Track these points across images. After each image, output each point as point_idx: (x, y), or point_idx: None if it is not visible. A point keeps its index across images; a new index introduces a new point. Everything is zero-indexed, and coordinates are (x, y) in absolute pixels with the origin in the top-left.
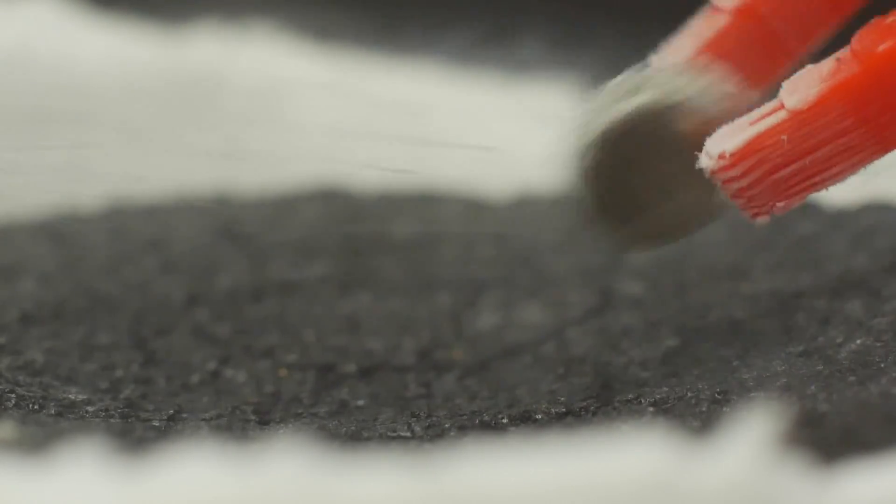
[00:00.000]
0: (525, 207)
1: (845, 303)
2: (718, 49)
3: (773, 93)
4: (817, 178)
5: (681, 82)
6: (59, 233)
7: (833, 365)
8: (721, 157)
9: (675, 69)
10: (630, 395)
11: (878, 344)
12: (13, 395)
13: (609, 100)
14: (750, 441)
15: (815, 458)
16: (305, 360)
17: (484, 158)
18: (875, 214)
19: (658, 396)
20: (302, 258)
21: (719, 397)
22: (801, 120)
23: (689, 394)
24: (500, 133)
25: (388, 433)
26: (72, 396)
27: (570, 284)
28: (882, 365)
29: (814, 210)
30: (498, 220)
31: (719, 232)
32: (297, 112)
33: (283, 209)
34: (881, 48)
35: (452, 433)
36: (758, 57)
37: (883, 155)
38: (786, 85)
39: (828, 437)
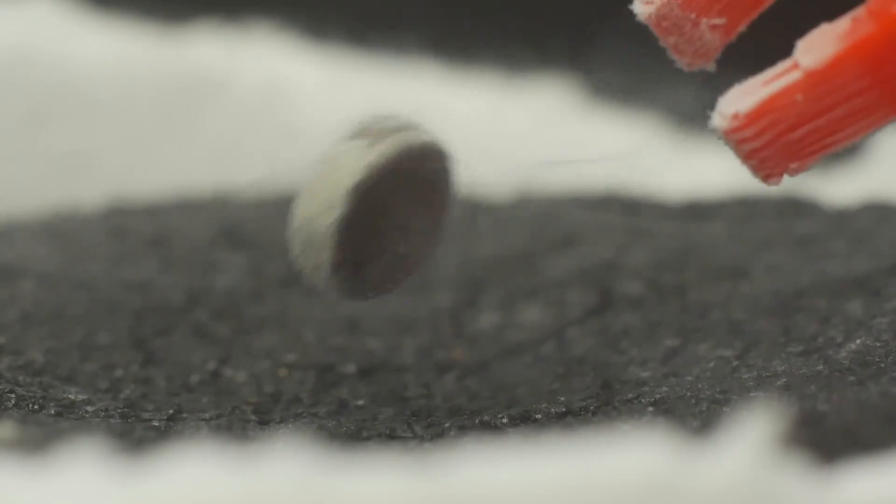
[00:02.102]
0: (525, 207)
1: (845, 303)
2: None
3: (788, 52)
4: (831, 139)
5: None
6: (59, 233)
7: (833, 365)
8: (734, 117)
9: (391, 123)
10: (630, 395)
11: (878, 344)
12: (13, 395)
13: (347, 153)
14: (750, 441)
15: (815, 458)
16: (305, 360)
17: (484, 158)
18: (875, 214)
19: (658, 396)
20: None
21: (719, 397)
22: (815, 80)
23: (689, 394)
24: (500, 133)
25: (388, 433)
26: (72, 396)
27: (570, 284)
28: (882, 365)
29: (814, 210)
30: (498, 220)
31: (719, 232)
32: (297, 112)
33: (283, 209)
34: None
35: (452, 433)
36: None
37: None
38: (800, 44)
39: (828, 437)
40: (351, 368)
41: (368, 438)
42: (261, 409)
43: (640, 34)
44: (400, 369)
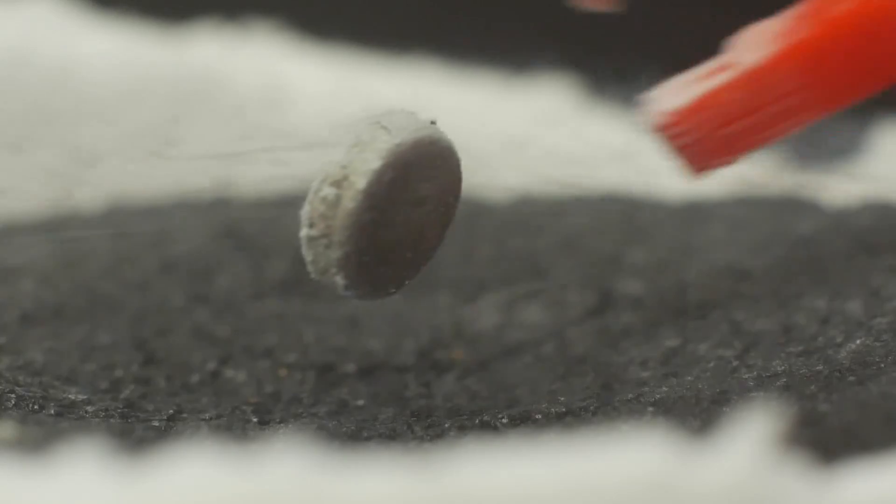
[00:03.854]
0: (525, 207)
1: (845, 303)
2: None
3: (722, 49)
4: (762, 135)
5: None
6: (59, 233)
7: (833, 365)
8: (669, 113)
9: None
10: (630, 395)
11: (878, 344)
12: (13, 395)
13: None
14: (750, 441)
15: (815, 458)
16: (305, 360)
17: (484, 158)
18: (875, 214)
19: (658, 396)
20: (302, 258)
21: (719, 397)
22: (751, 78)
23: (689, 394)
24: (500, 133)
25: (388, 433)
26: (72, 396)
27: (570, 284)
28: (882, 365)
29: (814, 210)
30: (498, 220)
31: (719, 232)
32: (297, 112)
33: (283, 209)
34: (838, 9)
35: (452, 433)
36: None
37: (830, 113)
38: (737, 42)
39: (828, 437)
40: (351, 368)
41: (368, 439)
42: (261, 409)
43: (640, 34)
44: (400, 369)
